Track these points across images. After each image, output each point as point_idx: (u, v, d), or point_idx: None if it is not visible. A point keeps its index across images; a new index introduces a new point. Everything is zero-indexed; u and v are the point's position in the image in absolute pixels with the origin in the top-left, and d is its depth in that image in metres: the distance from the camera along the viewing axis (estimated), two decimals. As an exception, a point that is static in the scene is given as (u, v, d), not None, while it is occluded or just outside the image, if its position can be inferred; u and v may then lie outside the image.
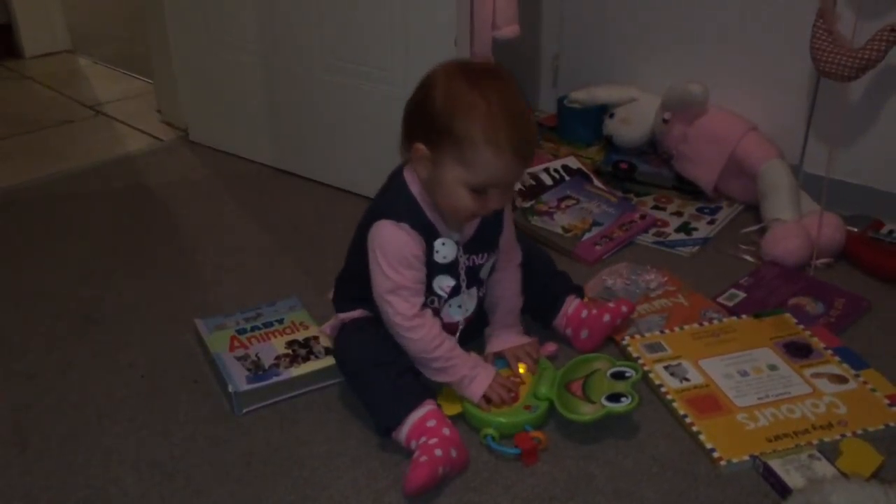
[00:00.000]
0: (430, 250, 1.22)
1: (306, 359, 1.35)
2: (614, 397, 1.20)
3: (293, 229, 1.85)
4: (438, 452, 1.10)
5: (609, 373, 1.27)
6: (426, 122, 1.14)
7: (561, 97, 2.19)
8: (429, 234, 1.22)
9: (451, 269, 1.26)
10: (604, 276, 1.62)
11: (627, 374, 1.25)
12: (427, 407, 1.18)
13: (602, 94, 2.09)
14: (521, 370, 1.31)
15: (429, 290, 1.25)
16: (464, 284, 1.28)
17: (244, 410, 1.28)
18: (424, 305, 1.24)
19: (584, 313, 1.41)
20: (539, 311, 1.44)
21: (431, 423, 1.15)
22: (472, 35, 1.73)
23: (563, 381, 1.27)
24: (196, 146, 2.31)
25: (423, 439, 1.13)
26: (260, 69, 2.05)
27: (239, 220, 1.92)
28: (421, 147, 1.15)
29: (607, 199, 1.89)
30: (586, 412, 1.21)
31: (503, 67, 1.21)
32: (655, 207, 1.92)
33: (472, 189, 1.14)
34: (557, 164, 2.02)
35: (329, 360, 1.33)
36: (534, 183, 1.94)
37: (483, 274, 1.32)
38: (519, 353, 1.34)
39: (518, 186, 1.91)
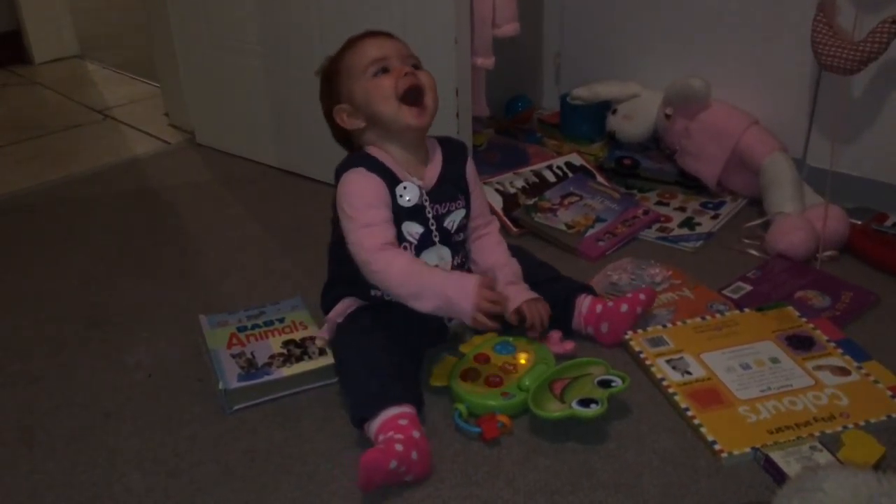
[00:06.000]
0: (394, 196, 1.29)
1: (300, 359, 1.34)
2: (585, 402, 1.20)
3: (298, 230, 1.87)
4: (398, 447, 1.09)
5: (597, 379, 1.26)
6: (329, 89, 1.33)
7: (563, 94, 2.19)
8: (388, 178, 1.29)
9: (417, 214, 1.31)
10: (608, 272, 1.62)
11: (614, 384, 1.24)
12: (405, 408, 1.17)
13: (604, 90, 2.08)
14: (522, 360, 1.33)
15: (400, 237, 1.30)
16: (434, 228, 1.32)
17: (234, 408, 1.29)
18: None
19: (599, 308, 1.42)
20: (555, 320, 1.43)
21: (403, 422, 1.14)
22: (473, 34, 1.74)
23: (551, 377, 1.28)
24: (203, 149, 2.34)
25: (391, 434, 1.13)
26: (264, 72, 2.07)
27: (245, 221, 1.93)
28: (341, 106, 1.31)
29: (610, 195, 1.89)
30: (552, 410, 1.21)
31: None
32: (659, 203, 1.92)
33: (374, 74, 1.28)
34: (560, 161, 2.03)
35: (322, 361, 1.34)
36: (537, 180, 1.95)
37: (450, 224, 1.35)
38: (533, 307, 1.36)
39: (523, 185, 1.92)
